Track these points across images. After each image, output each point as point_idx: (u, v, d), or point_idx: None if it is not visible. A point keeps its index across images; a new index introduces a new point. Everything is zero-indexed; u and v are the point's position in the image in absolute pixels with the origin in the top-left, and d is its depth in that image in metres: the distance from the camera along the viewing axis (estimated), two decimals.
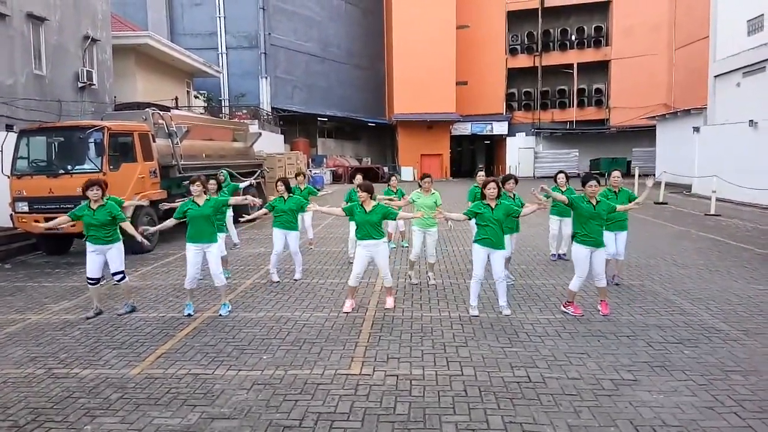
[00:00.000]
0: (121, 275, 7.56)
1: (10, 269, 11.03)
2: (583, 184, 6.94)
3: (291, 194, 9.21)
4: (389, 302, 7.46)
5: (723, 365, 5.29)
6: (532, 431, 4.15)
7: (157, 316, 7.32)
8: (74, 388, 5.10)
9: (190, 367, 5.51)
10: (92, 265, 7.38)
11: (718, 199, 17.49)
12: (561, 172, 10.02)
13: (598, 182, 6.94)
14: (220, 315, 7.23)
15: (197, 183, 7.38)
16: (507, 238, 8.40)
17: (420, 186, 8.79)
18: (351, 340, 6.18)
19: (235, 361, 5.66)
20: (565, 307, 7.03)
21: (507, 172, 9.16)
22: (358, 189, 7.28)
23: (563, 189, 9.72)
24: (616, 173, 8.36)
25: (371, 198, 7.23)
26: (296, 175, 12.53)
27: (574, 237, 6.90)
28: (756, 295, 7.71)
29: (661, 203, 19.71)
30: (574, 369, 5.25)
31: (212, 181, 9.09)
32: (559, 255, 10.36)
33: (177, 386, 5.07)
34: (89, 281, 7.43)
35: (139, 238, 7.76)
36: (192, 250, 7.25)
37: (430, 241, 8.65)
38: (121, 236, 7.62)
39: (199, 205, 7.25)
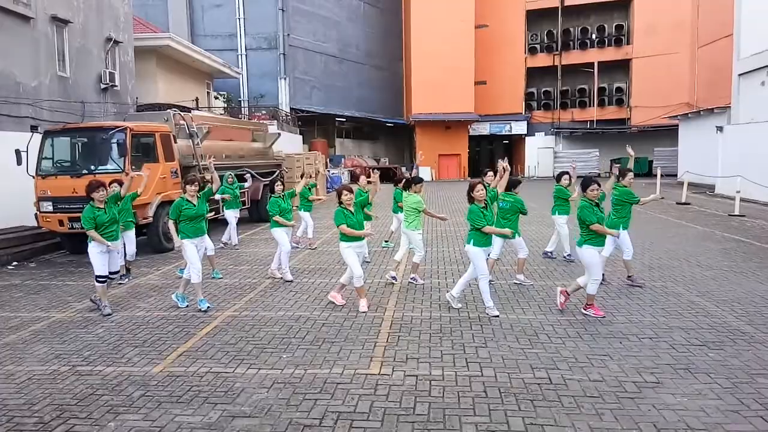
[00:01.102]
0: (117, 274, 7.96)
1: (34, 268, 11.23)
2: (585, 189, 6.91)
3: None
4: (362, 304, 7.41)
5: (748, 368, 5.19)
6: None
7: (178, 315, 7.40)
8: (98, 385, 5.17)
9: (210, 366, 5.56)
10: (102, 264, 7.56)
11: (742, 200, 17.17)
12: (565, 172, 9.92)
13: (599, 185, 6.95)
14: (201, 309, 7.50)
15: (195, 183, 7.76)
16: (522, 240, 8.44)
17: (408, 189, 8.87)
18: (370, 340, 6.18)
19: (255, 359, 5.69)
20: (585, 309, 6.95)
21: (521, 174, 9.13)
22: (347, 192, 7.31)
23: (568, 189, 9.68)
24: (630, 174, 8.27)
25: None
26: (301, 176, 12.57)
27: (586, 241, 6.77)
28: None
29: (684, 204, 19.43)
30: (595, 371, 5.19)
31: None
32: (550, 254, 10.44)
33: (198, 384, 5.12)
34: (101, 279, 7.57)
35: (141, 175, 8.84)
36: (192, 246, 7.57)
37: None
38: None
39: (194, 205, 7.63)
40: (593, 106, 42.38)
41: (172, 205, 7.65)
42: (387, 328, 6.60)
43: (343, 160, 38.29)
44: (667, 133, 36.32)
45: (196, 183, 7.75)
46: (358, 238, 7.36)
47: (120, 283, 9.11)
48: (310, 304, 7.71)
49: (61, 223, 11.33)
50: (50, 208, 11.39)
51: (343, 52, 41.28)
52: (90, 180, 7.87)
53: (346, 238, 7.30)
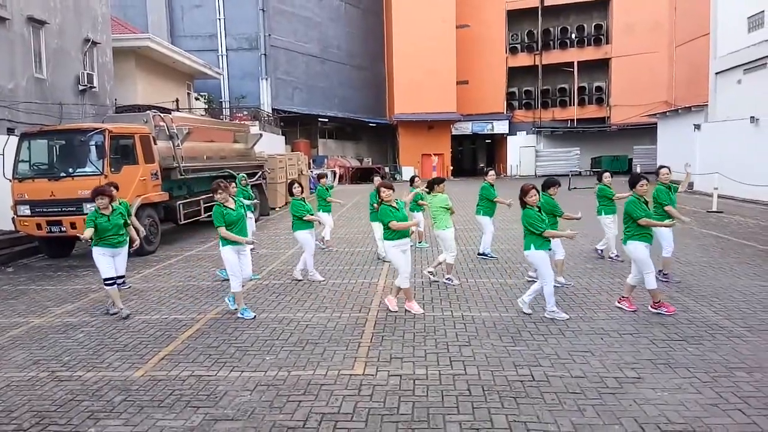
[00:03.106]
0: (122, 279, 7.74)
1: (12, 272, 11.04)
2: (634, 185, 6.89)
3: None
4: (412, 305, 7.19)
5: (727, 362, 5.27)
6: (537, 430, 4.13)
7: (159, 318, 7.32)
8: (78, 390, 5.10)
9: (193, 369, 5.51)
10: (107, 267, 7.51)
11: (719, 196, 17.45)
12: (606, 171, 9.98)
13: (648, 181, 6.96)
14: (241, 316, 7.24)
15: (220, 190, 7.28)
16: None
17: (430, 191, 8.84)
18: (354, 341, 6.17)
19: (238, 362, 5.65)
20: (654, 308, 6.83)
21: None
22: (384, 188, 7.10)
23: (611, 187, 9.73)
24: (664, 169, 8.38)
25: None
26: (319, 177, 12.73)
27: (632, 237, 6.75)
28: (759, 292, 7.69)
29: None
30: (577, 367, 5.24)
31: (234, 183, 9.23)
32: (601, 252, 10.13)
33: (180, 388, 5.07)
34: (108, 282, 7.49)
35: (143, 232, 8.01)
36: (234, 254, 7.20)
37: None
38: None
39: (233, 210, 7.25)
40: (573, 105, 42.79)
41: (215, 213, 7.18)
42: (371, 328, 6.60)
43: (326, 160, 38.21)
44: (647, 132, 36.77)
45: (221, 189, 7.28)
46: (403, 236, 7.08)
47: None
48: (294, 306, 7.68)
49: (39, 226, 11.16)
50: (28, 212, 11.20)
51: (324, 52, 41.17)
52: (95, 186, 7.77)
53: (390, 236, 7.07)
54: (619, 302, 7.06)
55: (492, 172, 10.46)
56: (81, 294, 8.88)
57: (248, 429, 4.28)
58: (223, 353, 5.92)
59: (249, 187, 12.49)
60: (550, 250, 6.89)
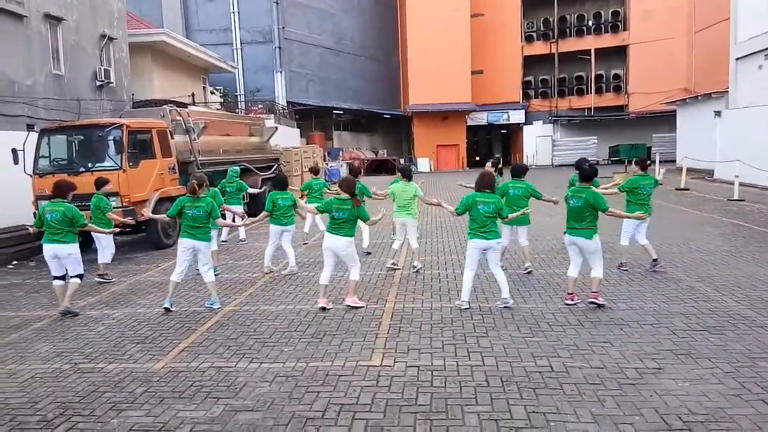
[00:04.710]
0: (76, 277, 7.55)
1: (34, 267, 11.22)
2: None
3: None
4: (348, 300, 7.21)
5: (750, 352, 5.19)
6: (556, 421, 4.11)
7: (179, 311, 7.40)
8: (100, 382, 5.17)
9: (212, 360, 5.56)
10: (51, 264, 7.61)
11: (741, 184, 17.17)
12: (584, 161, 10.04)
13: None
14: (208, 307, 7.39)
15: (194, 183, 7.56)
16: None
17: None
18: (371, 332, 6.19)
19: (257, 353, 5.70)
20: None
21: (523, 161, 9.20)
22: (339, 188, 7.24)
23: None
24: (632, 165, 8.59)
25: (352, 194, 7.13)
26: (312, 172, 12.56)
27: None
28: None
29: (683, 189, 19.41)
30: (597, 358, 5.20)
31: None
32: None
33: (200, 379, 5.12)
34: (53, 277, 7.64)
35: (106, 233, 8.56)
36: (181, 245, 7.48)
37: (410, 230, 8.88)
38: (75, 239, 7.61)
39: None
40: (591, 93, 42.31)
41: (175, 202, 7.50)
42: (388, 319, 6.61)
43: (341, 152, 38.22)
44: (666, 119, 36.25)
45: (195, 183, 7.48)
46: (327, 232, 7.19)
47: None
48: (311, 298, 7.71)
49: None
50: None
51: (338, 44, 41.11)
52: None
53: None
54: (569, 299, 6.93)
55: (488, 163, 10.18)
56: (101, 287, 8.99)
57: (268, 419, 4.31)
58: (242, 345, 5.96)
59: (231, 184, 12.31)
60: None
